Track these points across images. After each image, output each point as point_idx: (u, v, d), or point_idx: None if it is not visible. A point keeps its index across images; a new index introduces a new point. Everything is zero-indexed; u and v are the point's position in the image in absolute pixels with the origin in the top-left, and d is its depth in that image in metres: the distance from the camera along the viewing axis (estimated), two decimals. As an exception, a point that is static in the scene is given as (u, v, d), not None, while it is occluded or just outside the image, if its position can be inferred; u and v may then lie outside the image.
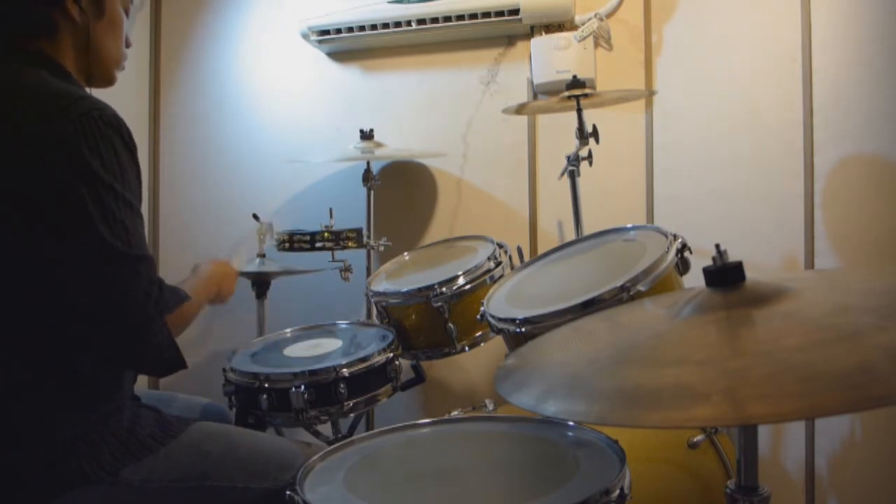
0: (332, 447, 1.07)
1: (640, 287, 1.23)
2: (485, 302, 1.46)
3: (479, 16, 2.10)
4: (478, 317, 1.44)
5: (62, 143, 0.98)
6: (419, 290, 1.66)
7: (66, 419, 1.05)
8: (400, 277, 1.84)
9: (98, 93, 1.11)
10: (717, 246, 0.83)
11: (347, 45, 2.30)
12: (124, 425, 1.10)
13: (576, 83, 1.75)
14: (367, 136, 2.08)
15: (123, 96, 2.44)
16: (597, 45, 2.15)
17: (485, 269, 1.67)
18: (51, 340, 1.04)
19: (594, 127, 1.79)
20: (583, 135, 1.78)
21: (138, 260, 1.02)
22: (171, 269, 2.50)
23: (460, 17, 2.12)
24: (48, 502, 1.02)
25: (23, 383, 1.02)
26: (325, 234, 1.86)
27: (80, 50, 1.15)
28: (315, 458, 1.03)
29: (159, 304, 1.04)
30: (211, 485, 1.14)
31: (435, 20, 2.13)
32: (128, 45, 1.25)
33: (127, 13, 1.24)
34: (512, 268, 1.74)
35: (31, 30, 1.11)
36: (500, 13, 2.09)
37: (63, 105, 1.01)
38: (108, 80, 1.23)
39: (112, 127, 1.02)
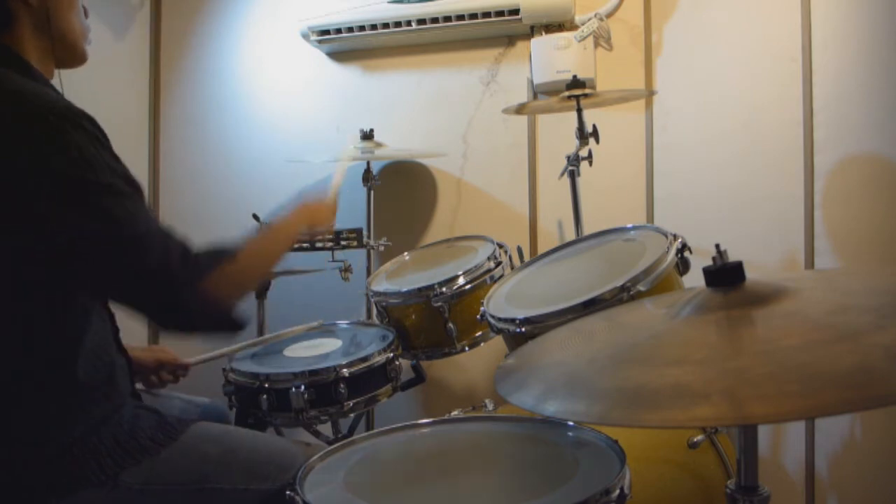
0: (332, 447, 1.07)
1: (641, 287, 1.23)
2: (485, 302, 1.46)
3: (479, 16, 2.10)
4: (478, 317, 1.44)
5: (19, 153, 0.96)
6: (419, 290, 1.66)
7: (64, 422, 1.04)
8: (400, 277, 1.84)
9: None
10: (717, 246, 0.83)
11: (347, 45, 2.30)
12: (124, 428, 1.10)
13: (576, 83, 1.75)
14: (367, 136, 2.08)
15: (123, 96, 2.44)
16: (597, 45, 2.15)
17: (485, 269, 1.67)
18: (47, 344, 1.03)
19: (594, 127, 1.79)
20: (583, 135, 1.78)
21: (138, 239, 1.00)
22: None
23: (460, 17, 2.12)
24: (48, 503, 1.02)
25: (21, 387, 1.02)
26: (325, 234, 1.86)
27: (43, 34, 1.09)
28: (315, 458, 1.03)
29: (186, 272, 1.02)
30: (211, 487, 1.14)
31: (435, 20, 2.13)
32: (85, 16, 1.18)
33: None
34: (512, 268, 1.74)
35: None
36: (500, 13, 2.09)
37: (15, 111, 0.98)
38: (79, 58, 1.17)
39: (68, 121, 0.99)
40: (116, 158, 1.05)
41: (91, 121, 1.02)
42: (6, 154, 0.96)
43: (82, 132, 0.99)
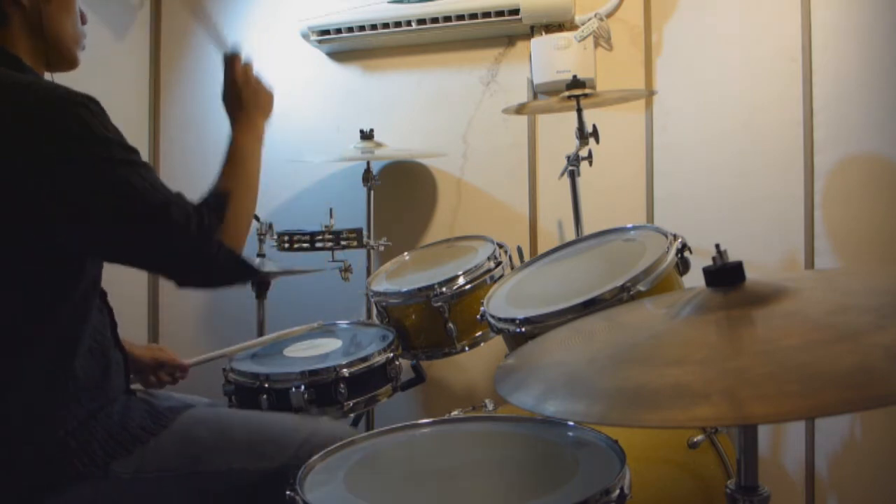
0: (332, 447, 1.07)
1: (641, 287, 1.23)
2: (485, 302, 1.46)
3: (479, 16, 2.10)
4: (478, 317, 1.44)
5: (25, 146, 0.96)
6: (419, 290, 1.66)
7: (62, 419, 1.04)
8: (400, 277, 1.84)
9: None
10: (717, 246, 0.83)
11: (347, 45, 2.30)
12: (114, 419, 1.10)
13: (576, 83, 1.75)
14: (367, 136, 2.08)
15: (123, 96, 2.44)
16: (597, 45, 2.15)
17: (485, 269, 1.67)
18: (47, 342, 1.03)
19: (594, 127, 1.79)
20: (583, 135, 1.78)
21: (159, 208, 1.01)
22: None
23: (460, 17, 2.12)
24: (40, 499, 1.02)
25: (21, 385, 1.02)
26: (325, 235, 1.86)
27: (35, 35, 1.09)
28: (315, 458, 1.02)
29: (205, 231, 1.05)
30: (205, 470, 1.13)
31: (435, 20, 2.13)
32: (83, 22, 1.19)
33: None
34: (512, 268, 1.74)
35: None
36: (500, 13, 2.09)
37: (18, 102, 0.98)
38: (69, 63, 1.17)
39: (70, 102, 0.99)
40: (121, 135, 1.05)
41: (92, 100, 1.02)
42: (13, 147, 0.96)
43: (87, 112, 1.00)
